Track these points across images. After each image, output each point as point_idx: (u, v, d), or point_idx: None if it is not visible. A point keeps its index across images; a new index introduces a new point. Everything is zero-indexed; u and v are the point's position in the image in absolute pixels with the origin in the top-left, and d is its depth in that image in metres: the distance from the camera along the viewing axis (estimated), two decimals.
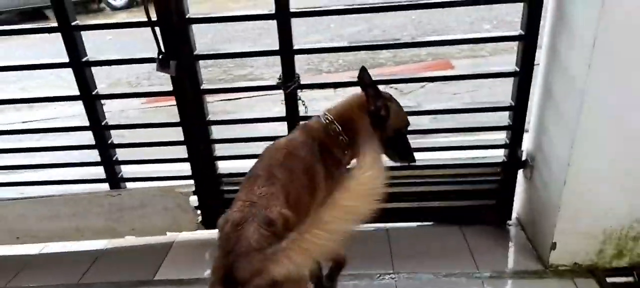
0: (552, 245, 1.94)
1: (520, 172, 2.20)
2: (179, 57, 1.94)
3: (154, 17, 1.84)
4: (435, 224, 2.34)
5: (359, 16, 6.46)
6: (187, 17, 1.91)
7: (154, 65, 1.93)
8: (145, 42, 2.09)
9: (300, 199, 1.40)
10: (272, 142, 1.57)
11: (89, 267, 2.28)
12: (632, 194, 1.82)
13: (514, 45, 1.97)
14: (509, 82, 2.03)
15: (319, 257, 1.16)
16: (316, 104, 2.08)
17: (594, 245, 1.93)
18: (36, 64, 2.11)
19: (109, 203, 2.29)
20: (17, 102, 2.30)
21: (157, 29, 1.87)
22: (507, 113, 2.07)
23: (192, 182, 2.27)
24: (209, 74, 5.45)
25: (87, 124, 2.17)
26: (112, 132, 2.25)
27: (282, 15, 1.88)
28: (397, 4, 1.93)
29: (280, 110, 2.18)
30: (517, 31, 1.89)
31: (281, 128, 2.11)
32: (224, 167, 2.31)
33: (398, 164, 1.71)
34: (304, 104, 2.07)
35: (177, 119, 2.12)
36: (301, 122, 1.85)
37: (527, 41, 1.88)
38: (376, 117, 1.59)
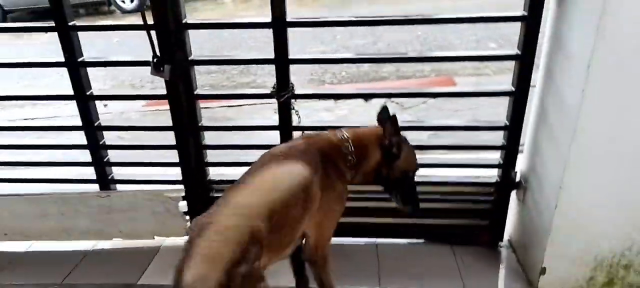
0: (542, 270, 1.90)
1: (513, 193, 2.16)
2: (173, 61, 1.94)
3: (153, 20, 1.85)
4: (426, 242, 2.31)
5: (366, 29, 6.48)
6: (183, 22, 1.91)
7: None
8: None
9: (287, 209, 1.38)
10: (267, 150, 1.57)
11: (73, 268, 2.27)
12: (624, 221, 1.78)
13: None
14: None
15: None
16: (316, 115, 2.08)
17: (584, 272, 1.89)
18: (31, 62, 2.13)
19: (98, 205, 2.27)
20: (12, 99, 2.30)
21: (153, 33, 1.88)
22: (502, 133, 2.05)
23: (182, 187, 2.26)
24: (213, 80, 5.47)
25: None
26: (110, 133, 2.25)
27: (278, 25, 1.88)
28: (394, 18, 1.93)
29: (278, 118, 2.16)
30: (514, 50, 1.88)
31: (276, 136, 2.10)
32: (215, 173, 2.30)
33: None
34: (297, 114, 2.06)
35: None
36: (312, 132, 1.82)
37: (523, 61, 1.86)
38: (388, 152, 1.62)
